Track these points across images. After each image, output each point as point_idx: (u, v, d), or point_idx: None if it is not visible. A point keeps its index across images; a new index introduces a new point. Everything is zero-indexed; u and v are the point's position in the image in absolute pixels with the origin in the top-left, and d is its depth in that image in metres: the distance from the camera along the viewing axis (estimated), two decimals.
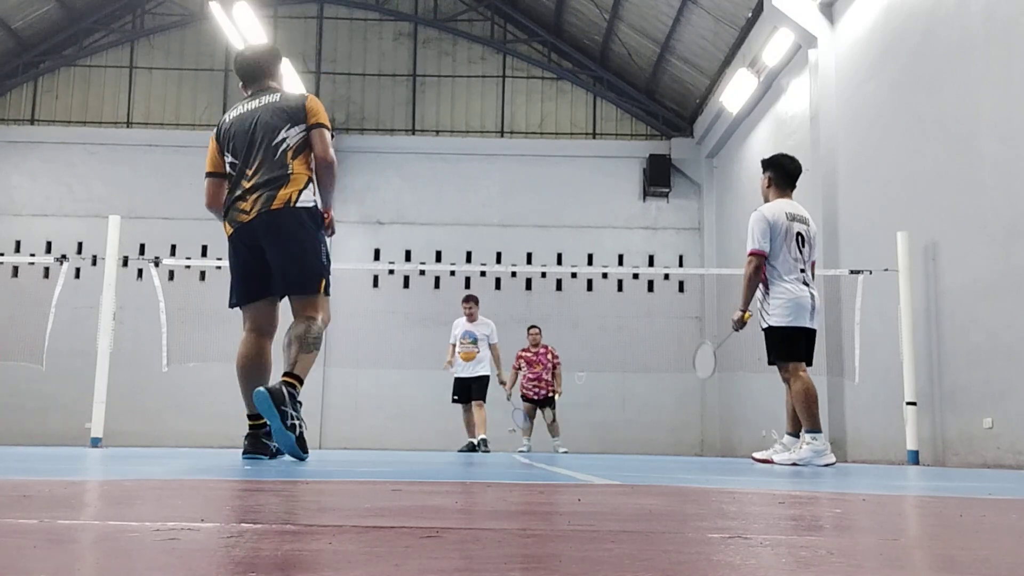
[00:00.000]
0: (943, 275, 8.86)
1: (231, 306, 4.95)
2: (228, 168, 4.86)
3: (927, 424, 8.93)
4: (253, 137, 4.76)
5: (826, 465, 6.16)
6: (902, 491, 3.35)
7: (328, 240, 4.90)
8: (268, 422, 4.43)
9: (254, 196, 4.66)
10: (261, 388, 4.40)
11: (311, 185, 4.75)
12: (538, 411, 12.64)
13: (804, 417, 6.26)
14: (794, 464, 6.16)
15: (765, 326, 6.43)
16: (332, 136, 4.90)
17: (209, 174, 4.98)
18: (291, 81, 14.42)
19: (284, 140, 4.71)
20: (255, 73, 5.03)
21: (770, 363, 6.49)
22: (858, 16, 10.81)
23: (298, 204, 4.65)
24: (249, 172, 4.72)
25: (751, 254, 6.45)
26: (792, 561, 1.13)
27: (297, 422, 4.46)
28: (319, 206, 4.80)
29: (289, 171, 4.68)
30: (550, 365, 12.42)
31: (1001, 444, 7.75)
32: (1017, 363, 7.54)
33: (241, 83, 5.09)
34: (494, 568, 1.04)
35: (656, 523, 1.62)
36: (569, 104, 18.29)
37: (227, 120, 4.93)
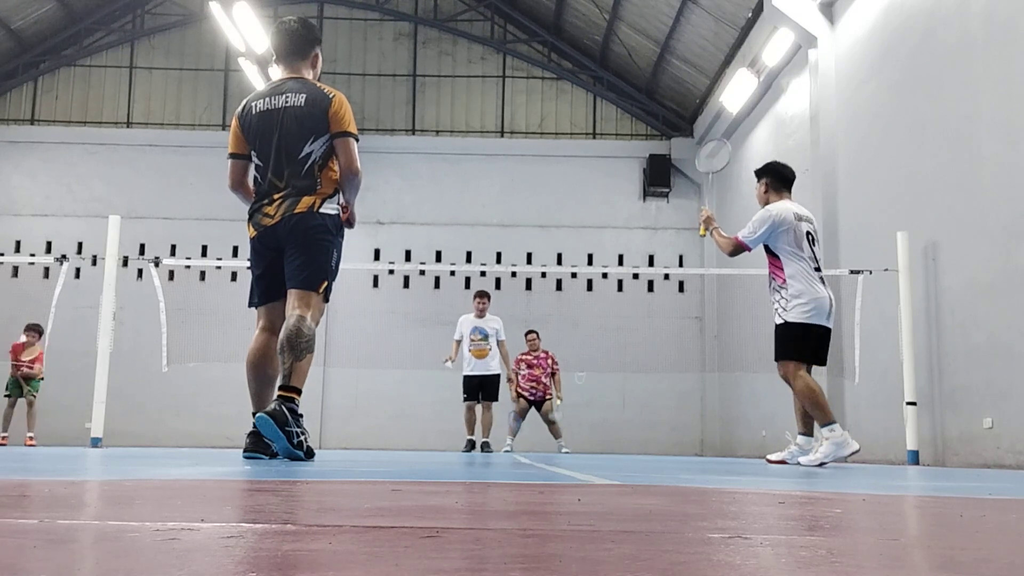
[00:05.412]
0: (943, 275, 8.86)
1: (250, 306, 5.03)
2: (255, 159, 4.89)
3: (927, 424, 8.93)
4: (278, 145, 4.77)
5: (852, 453, 6.09)
6: (902, 491, 3.35)
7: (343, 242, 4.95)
8: (274, 442, 4.48)
9: (279, 202, 4.74)
10: (262, 414, 4.49)
11: (337, 195, 4.83)
12: (532, 411, 12.61)
13: (815, 414, 6.22)
14: (822, 464, 6.04)
15: (780, 322, 6.37)
16: (358, 140, 4.88)
17: (232, 155, 4.99)
18: None
19: (310, 155, 4.75)
20: (290, 48, 4.96)
21: (776, 359, 6.44)
22: (858, 16, 10.81)
23: (321, 210, 4.74)
24: (276, 181, 4.77)
25: (738, 242, 6.44)
26: (792, 561, 1.13)
27: (303, 438, 4.56)
28: (341, 214, 4.85)
29: (317, 185, 4.76)
30: (549, 370, 12.41)
31: (1001, 444, 7.74)
32: (1017, 363, 7.54)
33: (274, 57, 5.04)
34: (494, 568, 1.04)
35: (656, 523, 1.62)
36: (569, 104, 18.29)
37: (253, 110, 4.88)
